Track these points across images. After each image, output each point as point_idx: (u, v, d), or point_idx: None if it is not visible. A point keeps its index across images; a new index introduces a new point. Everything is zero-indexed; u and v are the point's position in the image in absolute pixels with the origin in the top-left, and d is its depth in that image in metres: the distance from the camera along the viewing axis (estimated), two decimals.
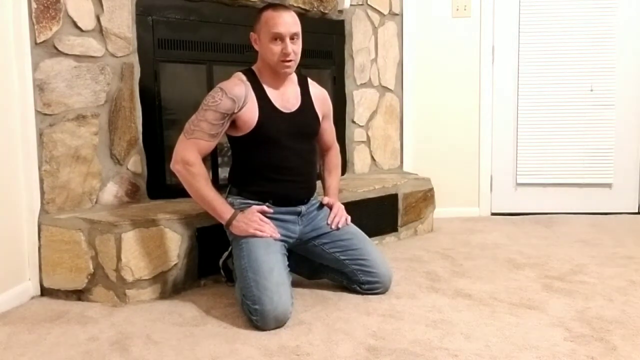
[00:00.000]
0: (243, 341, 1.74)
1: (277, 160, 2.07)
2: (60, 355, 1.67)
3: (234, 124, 2.03)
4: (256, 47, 2.09)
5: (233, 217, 2.00)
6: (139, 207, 2.33)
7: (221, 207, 2.01)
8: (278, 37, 2.00)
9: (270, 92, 2.08)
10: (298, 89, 2.16)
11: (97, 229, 2.09)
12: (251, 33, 2.09)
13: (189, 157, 1.97)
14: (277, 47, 2.01)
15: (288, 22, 2.01)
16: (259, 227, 1.98)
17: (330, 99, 2.33)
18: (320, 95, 2.24)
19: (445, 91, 3.54)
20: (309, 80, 2.24)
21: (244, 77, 2.07)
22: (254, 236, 1.97)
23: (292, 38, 2.02)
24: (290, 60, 2.03)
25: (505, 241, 2.95)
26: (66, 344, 1.74)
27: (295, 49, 2.04)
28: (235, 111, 2.00)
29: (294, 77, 2.17)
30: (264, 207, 2.05)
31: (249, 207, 2.05)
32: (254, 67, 2.12)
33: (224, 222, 2.02)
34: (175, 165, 2.00)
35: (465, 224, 3.35)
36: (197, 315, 1.96)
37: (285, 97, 2.11)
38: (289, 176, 2.09)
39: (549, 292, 2.15)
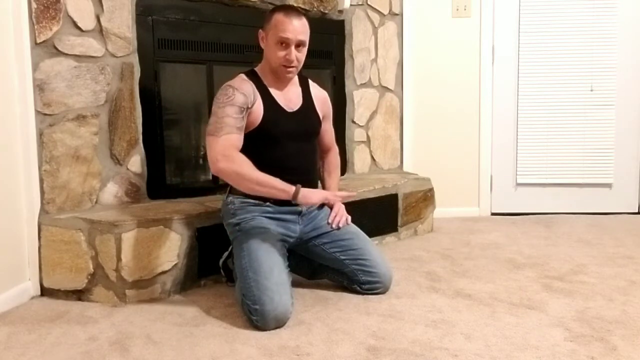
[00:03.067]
0: (243, 341, 1.74)
1: (278, 159, 2.07)
2: (60, 355, 1.67)
3: None
4: (262, 45, 2.09)
5: (298, 190, 1.98)
6: (139, 207, 2.33)
7: (282, 184, 1.97)
8: (284, 42, 2.00)
9: (273, 91, 2.09)
10: (299, 90, 2.17)
11: (97, 229, 2.09)
12: (260, 30, 2.09)
13: (227, 151, 1.92)
14: (281, 52, 2.01)
15: (297, 29, 2.00)
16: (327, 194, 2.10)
17: (330, 98, 2.33)
18: (320, 96, 2.25)
19: (445, 91, 3.54)
20: (310, 81, 2.24)
21: (246, 78, 2.08)
22: (326, 200, 2.10)
23: (297, 45, 2.02)
24: (292, 67, 2.04)
25: (505, 241, 2.95)
26: (66, 344, 1.74)
27: (299, 56, 2.04)
28: (249, 105, 2.00)
29: (295, 78, 2.17)
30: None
31: (250, 205, 2.05)
32: (256, 68, 2.12)
33: (288, 197, 1.98)
34: (217, 165, 1.93)
35: (465, 224, 3.35)
36: (197, 315, 1.96)
37: (288, 96, 2.12)
38: (290, 175, 2.08)
39: (549, 292, 2.15)
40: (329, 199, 2.11)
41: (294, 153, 2.09)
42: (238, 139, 1.97)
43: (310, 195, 2.02)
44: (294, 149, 2.09)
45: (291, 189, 1.98)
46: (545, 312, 1.95)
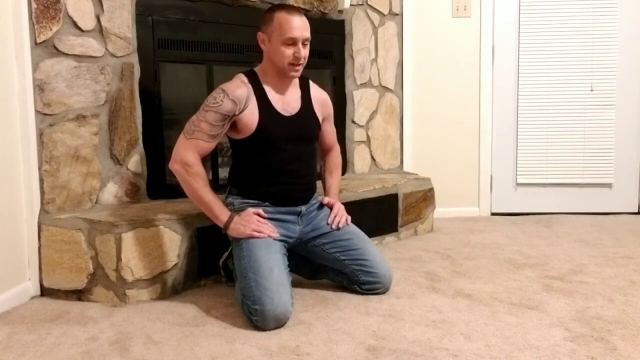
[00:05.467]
0: (243, 341, 1.74)
1: (277, 163, 2.07)
2: (60, 355, 1.67)
3: (234, 127, 2.03)
4: (263, 47, 2.07)
5: (230, 219, 2.00)
6: (139, 207, 2.33)
7: (219, 209, 2.01)
8: (291, 42, 2.00)
9: (271, 95, 2.07)
10: (299, 92, 2.16)
11: (97, 229, 2.09)
12: (259, 33, 2.07)
13: (188, 157, 1.97)
14: (289, 51, 2.00)
15: (301, 27, 2.00)
16: (257, 228, 1.99)
17: (330, 99, 2.32)
18: (320, 98, 2.23)
19: (445, 91, 3.54)
20: (311, 82, 2.23)
21: (245, 79, 2.06)
22: (253, 237, 1.97)
23: (303, 43, 2.02)
24: (300, 64, 2.03)
25: (505, 241, 2.95)
26: (66, 344, 1.74)
27: (305, 53, 2.03)
28: (237, 113, 2.00)
29: (295, 79, 2.16)
30: (260, 210, 2.05)
31: (249, 206, 2.06)
32: (256, 69, 2.11)
33: (221, 225, 2.02)
34: (174, 165, 2.00)
35: (465, 224, 3.35)
36: (197, 315, 1.96)
37: (287, 100, 2.11)
38: (289, 178, 2.10)
39: (549, 292, 2.15)
40: (255, 236, 1.97)
41: (292, 157, 2.09)
42: (205, 147, 2.00)
43: (237, 228, 1.98)
44: (292, 153, 2.09)
45: (225, 218, 2.00)
46: (545, 312, 1.95)
